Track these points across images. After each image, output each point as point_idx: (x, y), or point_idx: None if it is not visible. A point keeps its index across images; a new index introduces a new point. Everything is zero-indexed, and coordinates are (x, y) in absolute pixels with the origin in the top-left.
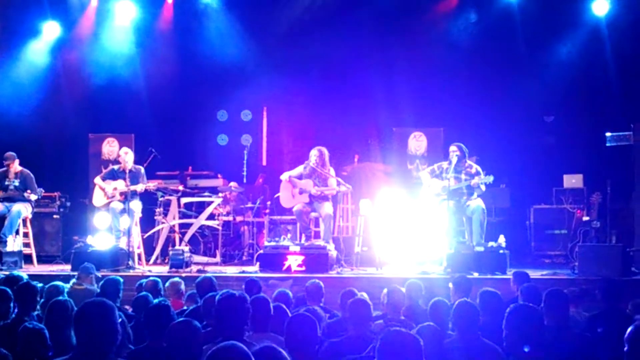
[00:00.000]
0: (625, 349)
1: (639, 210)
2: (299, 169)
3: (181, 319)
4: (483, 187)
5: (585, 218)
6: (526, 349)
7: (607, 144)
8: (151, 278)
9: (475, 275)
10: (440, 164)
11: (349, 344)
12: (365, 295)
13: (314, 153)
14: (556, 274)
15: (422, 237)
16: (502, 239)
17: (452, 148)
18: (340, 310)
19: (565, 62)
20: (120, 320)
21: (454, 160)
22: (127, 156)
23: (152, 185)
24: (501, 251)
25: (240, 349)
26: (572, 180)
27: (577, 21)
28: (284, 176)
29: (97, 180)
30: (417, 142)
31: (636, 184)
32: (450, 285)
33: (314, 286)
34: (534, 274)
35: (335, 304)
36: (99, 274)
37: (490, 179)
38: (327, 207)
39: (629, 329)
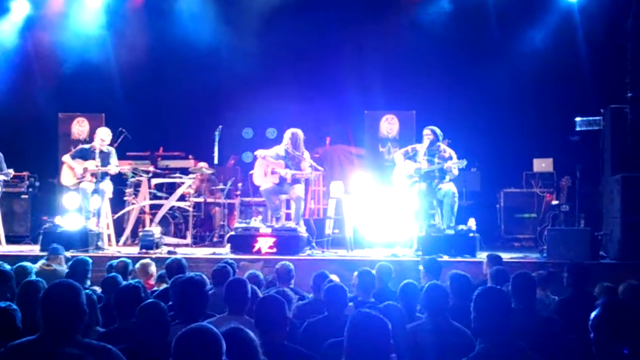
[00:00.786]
0: (591, 335)
1: (607, 194)
2: (275, 149)
3: (149, 300)
4: (456, 171)
5: (555, 202)
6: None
7: (577, 129)
8: (121, 259)
9: (445, 258)
10: (414, 146)
11: (326, 325)
12: (336, 278)
13: (287, 135)
14: (525, 257)
15: (393, 220)
16: (472, 222)
17: (426, 131)
18: (312, 292)
19: (537, 47)
20: (88, 301)
21: (426, 143)
22: (105, 136)
23: (126, 168)
24: (471, 234)
25: (210, 330)
26: (542, 165)
27: (549, 6)
28: (260, 153)
29: (66, 158)
30: (389, 124)
31: (605, 168)
32: (421, 267)
33: (283, 268)
34: (504, 257)
35: (306, 285)
36: (68, 255)
37: (464, 163)
38: (298, 189)
39: (592, 315)
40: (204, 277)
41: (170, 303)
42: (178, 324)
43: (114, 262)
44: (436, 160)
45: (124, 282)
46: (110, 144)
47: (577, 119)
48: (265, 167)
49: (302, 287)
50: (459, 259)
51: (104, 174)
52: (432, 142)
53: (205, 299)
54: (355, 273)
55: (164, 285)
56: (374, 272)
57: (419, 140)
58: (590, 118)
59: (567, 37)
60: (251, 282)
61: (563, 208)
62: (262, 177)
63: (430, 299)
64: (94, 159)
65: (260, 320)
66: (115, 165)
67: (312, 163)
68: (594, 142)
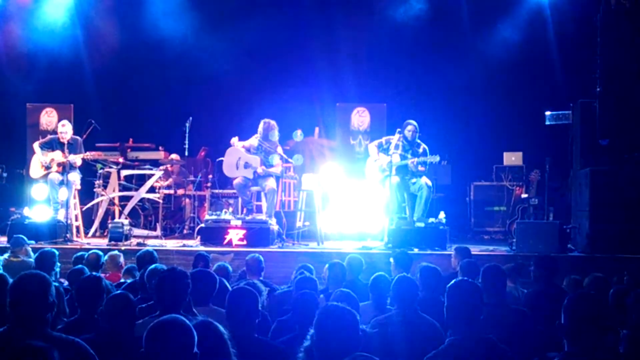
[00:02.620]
0: (562, 320)
1: (576, 187)
2: (250, 141)
3: (117, 292)
4: (423, 168)
5: (524, 195)
6: None
7: (547, 123)
8: (93, 251)
9: (416, 250)
10: (388, 137)
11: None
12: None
13: (260, 126)
14: (495, 250)
15: (364, 213)
16: (442, 215)
17: (410, 127)
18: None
19: (508, 41)
20: (56, 293)
21: (408, 136)
22: (65, 128)
23: (89, 155)
24: (441, 227)
25: (183, 322)
26: (512, 158)
27: (520, 0)
28: (235, 142)
29: (35, 145)
30: (360, 117)
31: (574, 162)
32: (391, 260)
33: (253, 260)
34: (473, 249)
35: (277, 277)
36: (29, 247)
37: (436, 158)
38: (271, 182)
39: (565, 301)
40: (184, 269)
41: (140, 296)
42: (158, 315)
43: (85, 254)
44: (409, 155)
45: (88, 273)
46: (79, 135)
47: (547, 113)
48: (237, 158)
49: (272, 279)
50: (429, 251)
51: (72, 165)
52: (413, 137)
53: (186, 290)
54: (327, 266)
55: (132, 279)
56: (344, 264)
57: (390, 132)
58: (560, 112)
59: (538, 31)
60: (220, 274)
61: (532, 201)
62: (234, 169)
63: (399, 291)
64: (62, 150)
65: (231, 312)
66: (80, 157)
67: (283, 155)
68: (564, 136)
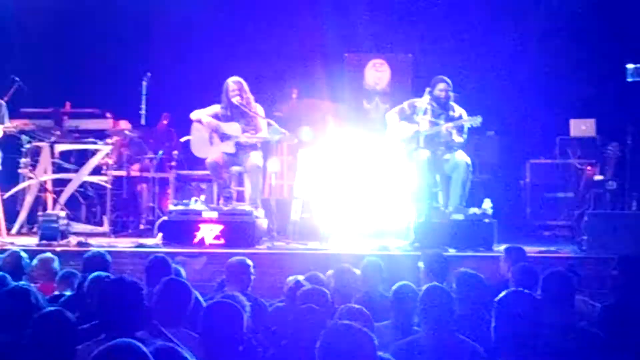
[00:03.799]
0: None
1: None
2: (215, 108)
3: (50, 309)
4: (460, 137)
5: (598, 177)
6: None
7: (629, 79)
8: (11, 251)
9: (452, 252)
10: (412, 101)
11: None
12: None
13: (234, 87)
14: (558, 250)
15: (382, 201)
16: (487, 204)
17: (441, 85)
18: (286, 299)
19: None
20: None
21: (441, 98)
22: None
23: (12, 126)
24: (486, 220)
25: (137, 349)
26: (582, 127)
27: None
28: (198, 115)
29: None
30: (377, 72)
31: None
32: (420, 265)
33: (238, 265)
34: (530, 250)
35: (262, 288)
36: None
37: (478, 120)
38: (254, 157)
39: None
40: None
41: (80, 314)
42: (103, 339)
43: (2, 255)
44: (442, 121)
45: (13, 284)
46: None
47: (629, 66)
48: (210, 132)
49: (259, 292)
50: (470, 253)
51: None
52: (446, 98)
53: (140, 306)
54: (330, 272)
55: (69, 290)
56: (357, 271)
57: (417, 93)
58: None
59: None
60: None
61: (609, 185)
62: (208, 146)
63: (430, 306)
64: None
65: (206, 337)
66: (0, 127)
67: (271, 122)
68: None
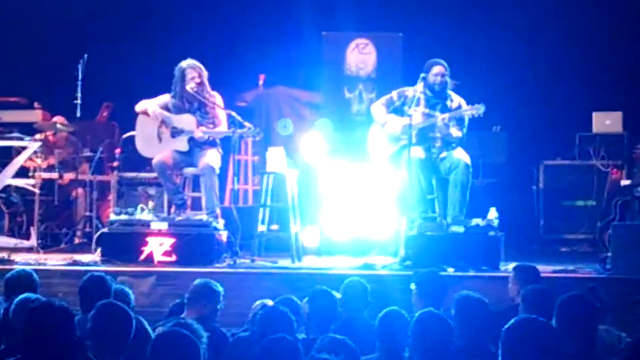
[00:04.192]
0: None
1: None
2: (165, 98)
3: None
4: (459, 132)
5: (626, 182)
6: None
7: None
8: None
9: (450, 271)
10: (402, 90)
11: None
12: (272, 304)
13: (191, 72)
14: (578, 269)
15: (367, 210)
16: (493, 214)
17: (438, 69)
18: (251, 328)
19: None
20: None
21: (436, 85)
22: None
23: None
24: (492, 233)
25: None
26: (606, 122)
27: None
28: (144, 106)
29: None
30: (361, 55)
31: None
32: (412, 287)
33: (203, 289)
34: (544, 269)
35: (222, 315)
36: None
37: (481, 109)
38: (209, 156)
39: None
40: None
41: (3, 346)
42: None
43: None
44: (438, 113)
45: None
46: None
47: None
48: (159, 127)
49: (219, 319)
50: (472, 273)
51: None
52: (442, 85)
53: (71, 337)
54: (305, 300)
55: None
56: (337, 294)
57: (409, 80)
58: None
59: None
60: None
61: (639, 192)
62: (156, 144)
63: (424, 337)
64: None
65: None
66: None
67: (232, 113)
68: None
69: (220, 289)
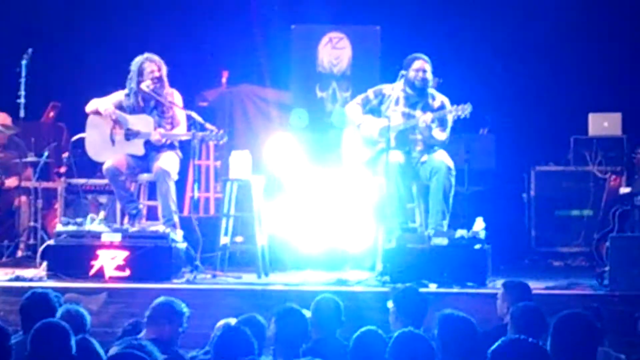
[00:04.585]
0: None
1: None
2: (119, 96)
3: None
4: (442, 134)
5: (625, 190)
6: None
7: None
8: None
9: (433, 287)
10: (380, 87)
11: None
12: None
13: (150, 67)
14: (573, 285)
15: (340, 219)
16: (479, 225)
17: (419, 64)
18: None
19: None
20: None
21: (417, 81)
22: None
23: None
24: (478, 246)
25: None
26: (604, 124)
27: None
28: (95, 105)
29: None
30: (335, 50)
31: None
32: (390, 304)
33: (163, 308)
34: (535, 285)
35: (182, 335)
36: None
37: (468, 109)
38: (164, 160)
39: None
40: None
41: None
42: None
43: None
44: (419, 113)
45: None
46: None
47: None
48: (110, 127)
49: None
50: (456, 289)
51: None
52: (423, 83)
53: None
54: (273, 319)
55: None
56: (307, 313)
57: (388, 77)
58: None
59: None
60: (81, 329)
61: (639, 200)
62: (108, 146)
63: (403, 359)
64: None
65: None
66: None
67: (192, 114)
68: None
69: (185, 310)
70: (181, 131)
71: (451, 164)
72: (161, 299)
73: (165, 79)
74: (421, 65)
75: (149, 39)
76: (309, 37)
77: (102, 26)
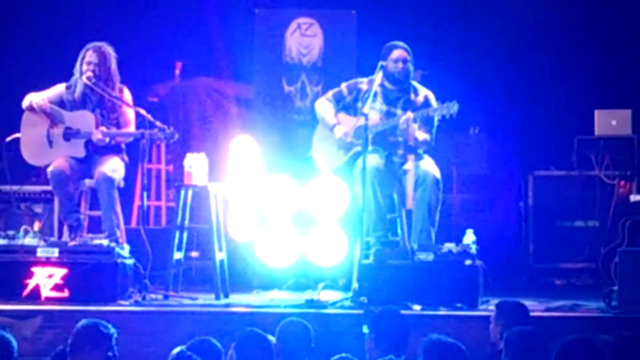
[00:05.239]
0: None
1: None
2: (58, 90)
3: None
4: (427, 134)
5: (635, 197)
6: None
7: None
8: None
9: (416, 309)
10: (355, 81)
11: None
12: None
13: (90, 55)
14: (576, 306)
15: (311, 232)
16: (470, 238)
17: (398, 53)
18: None
19: None
20: None
21: (397, 73)
22: None
23: None
24: (468, 262)
25: None
26: (612, 122)
27: None
28: (30, 100)
29: None
30: (304, 37)
31: None
32: (367, 329)
33: (92, 331)
34: (534, 307)
35: None
36: None
37: (454, 108)
38: (108, 164)
39: None
40: None
41: None
42: None
43: None
44: (399, 110)
45: None
46: None
47: None
48: (49, 125)
49: None
50: (442, 311)
51: None
52: (404, 74)
53: None
54: (233, 345)
55: None
56: (271, 338)
57: (364, 70)
58: None
59: None
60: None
61: None
62: (43, 147)
63: None
64: None
65: None
66: None
67: (141, 111)
68: None
69: (113, 330)
70: (129, 130)
71: (438, 174)
72: (83, 321)
73: (115, 72)
74: (400, 54)
75: (94, 26)
76: (274, 23)
77: (38, 14)
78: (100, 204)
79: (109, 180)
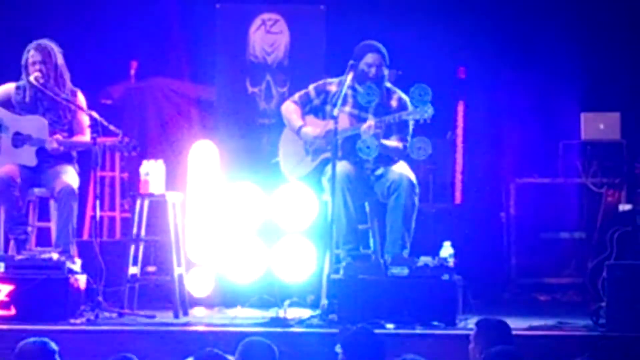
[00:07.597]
0: None
1: None
2: (6, 88)
3: None
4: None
5: (625, 207)
6: None
7: None
8: None
9: (390, 328)
10: (323, 83)
11: None
12: None
13: (34, 55)
14: (561, 325)
15: (277, 245)
16: (448, 251)
17: (372, 57)
18: None
19: None
20: None
21: (370, 74)
22: None
23: None
24: (446, 276)
25: None
26: (600, 126)
27: None
28: None
29: None
30: (269, 35)
31: None
32: (338, 349)
33: (36, 351)
34: (516, 325)
35: None
36: None
37: (428, 112)
38: (67, 175)
39: None
40: None
41: None
42: None
43: None
44: (370, 114)
45: None
46: None
47: None
48: None
49: None
50: (419, 330)
51: None
52: (378, 76)
53: None
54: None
55: None
56: (232, 359)
57: (334, 70)
58: None
59: None
60: None
61: None
62: None
63: None
64: None
65: None
66: None
67: (93, 114)
68: None
69: (55, 348)
70: (85, 138)
71: (414, 178)
72: (30, 339)
73: (63, 68)
74: (375, 60)
75: (37, 24)
76: (237, 19)
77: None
78: (55, 216)
79: (71, 192)
